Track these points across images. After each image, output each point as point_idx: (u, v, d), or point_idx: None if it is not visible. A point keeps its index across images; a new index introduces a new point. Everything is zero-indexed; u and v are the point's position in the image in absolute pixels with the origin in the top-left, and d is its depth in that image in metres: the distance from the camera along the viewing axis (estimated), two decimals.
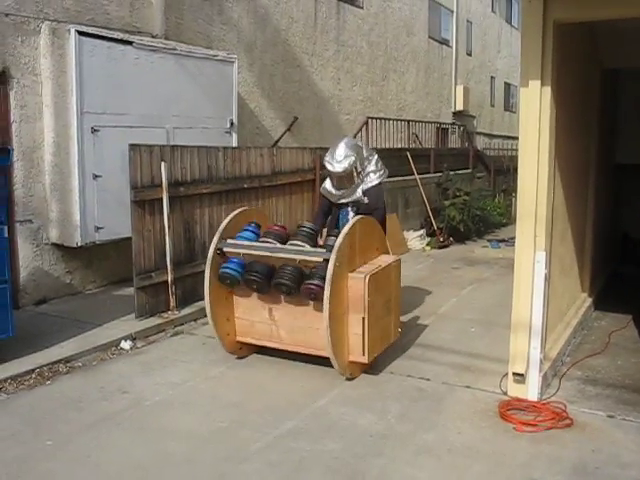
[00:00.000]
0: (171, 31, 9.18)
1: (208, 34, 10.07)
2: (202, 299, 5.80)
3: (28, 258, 7.44)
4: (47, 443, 4.37)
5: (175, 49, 8.64)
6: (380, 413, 4.86)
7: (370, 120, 13.95)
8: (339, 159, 6.28)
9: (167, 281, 7.04)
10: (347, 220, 6.22)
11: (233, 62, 9.61)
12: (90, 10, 7.99)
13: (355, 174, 6.39)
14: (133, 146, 6.70)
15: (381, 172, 6.67)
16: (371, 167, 6.58)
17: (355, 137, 13.37)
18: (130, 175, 6.69)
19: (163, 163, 6.52)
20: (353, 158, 6.31)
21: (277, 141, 11.46)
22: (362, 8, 14.93)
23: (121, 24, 8.40)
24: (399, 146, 14.80)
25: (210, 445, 4.34)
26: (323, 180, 6.77)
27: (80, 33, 7.42)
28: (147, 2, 8.81)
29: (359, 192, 6.45)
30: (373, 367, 5.67)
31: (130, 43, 8.01)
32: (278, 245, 5.62)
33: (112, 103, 7.77)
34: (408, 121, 16.05)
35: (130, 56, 8.04)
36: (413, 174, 12.72)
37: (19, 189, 7.30)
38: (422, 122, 17.04)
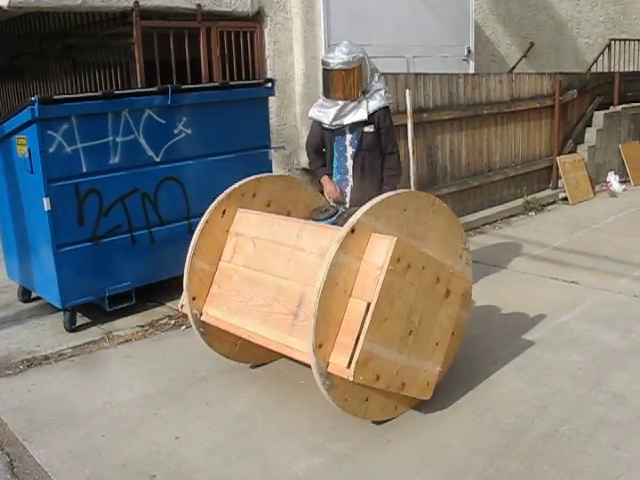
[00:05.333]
0: None
1: None
2: None
3: None
4: None
5: None
6: (623, 332, 4.89)
7: (612, 42, 13.14)
8: (345, 50, 4.62)
9: None
10: (344, 155, 4.87)
11: None
12: None
13: (361, 78, 4.67)
14: (379, 75, 7.02)
15: (389, 95, 4.97)
16: (379, 84, 4.83)
17: (595, 62, 12.74)
18: None
19: (407, 90, 6.79)
20: (362, 55, 4.68)
21: (513, 68, 11.26)
22: None
23: None
24: None
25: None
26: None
27: None
28: None
29: (363, 110, 4.70)
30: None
31: None
32: None
33: (356, 34, 8.06)
34: None
35: None
36: None
37: (273, 118, 7.93)
38: None
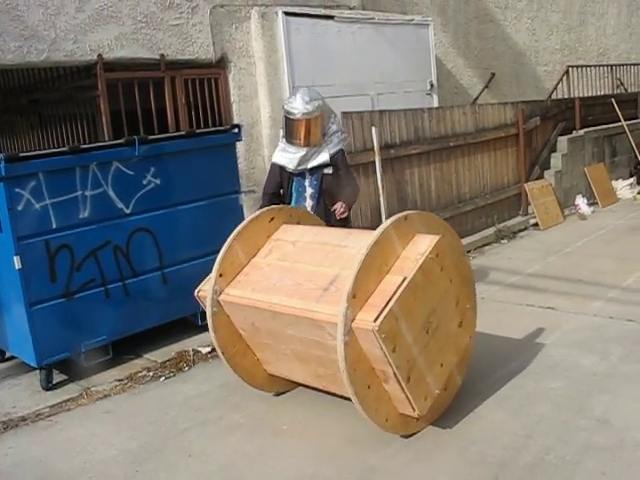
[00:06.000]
0: (367, 0, 9.48)
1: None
2: None
3: None
4: None
5: (373, 18, 8.95)
6: (602, 354, 4.92)
7: (570, 69, 13.45)
8: (307, 99, 4.88)
9: None
10: (303, 196, 5.12)
11: (428, 25, 9.76)
12: None
13: (323, 124, 4.98)
14: (345, 114, 7.13)
15: (345, 135, 5.31)
16: (334, 126, 5.13)
17: (555, 88, 13.01)
18: None
19: (374, 128, 6.87)
20: (321, 101, 4.97)
21: (476, 99, 11.45)
22: None
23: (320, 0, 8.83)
24: (602, 93, 14.16)
25: None
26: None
27: (286, 14, 7.94)
28: None
29: (325, 153, 5.02)
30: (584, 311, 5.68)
31: (331, 17, 8.43)
32: None
33: (319, 75, 8.24)
34: (611, 66, 15.25)
35: (332, 30, 8.48)
36: (619, 121, 12.13)
37: (242, 162, 7.97)
38: (626, 65, 16.06)
